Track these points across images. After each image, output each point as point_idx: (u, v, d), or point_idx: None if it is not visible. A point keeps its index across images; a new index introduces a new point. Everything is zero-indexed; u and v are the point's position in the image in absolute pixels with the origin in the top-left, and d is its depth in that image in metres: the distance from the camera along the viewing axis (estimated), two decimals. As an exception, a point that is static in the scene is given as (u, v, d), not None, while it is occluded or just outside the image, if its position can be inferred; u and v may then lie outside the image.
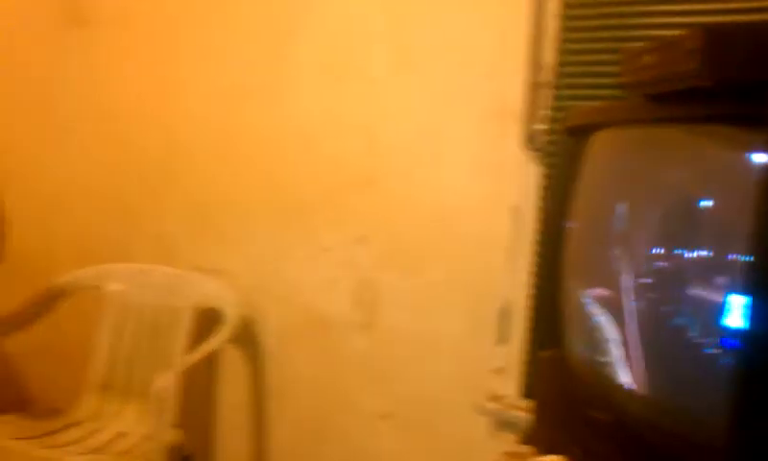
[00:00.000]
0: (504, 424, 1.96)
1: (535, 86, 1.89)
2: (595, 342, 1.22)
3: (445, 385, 2.06)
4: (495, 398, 1.98)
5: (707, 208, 1.07)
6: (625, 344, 1.14)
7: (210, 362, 2.32)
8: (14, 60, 2.53)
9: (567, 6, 1.84)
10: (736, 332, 0.88)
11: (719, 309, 0.93)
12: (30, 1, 2.54)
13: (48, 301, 2.28)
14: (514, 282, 1.93)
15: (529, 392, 1.92)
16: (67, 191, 2.59)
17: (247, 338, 2.30)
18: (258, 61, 2.25)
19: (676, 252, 1.10)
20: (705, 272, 1.02)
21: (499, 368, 1.97)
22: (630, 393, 1.13)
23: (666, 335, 1.08)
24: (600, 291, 1.26)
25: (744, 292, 0.85)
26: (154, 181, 2.46)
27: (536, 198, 1.89)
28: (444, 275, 2.05)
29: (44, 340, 2.33)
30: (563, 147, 1.51)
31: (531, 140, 1.90)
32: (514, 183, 1.92)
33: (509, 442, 1.81)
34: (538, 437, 1.33)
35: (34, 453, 2.01)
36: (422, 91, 2.05)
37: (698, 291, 1.04)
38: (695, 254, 1.06)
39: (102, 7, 2.50)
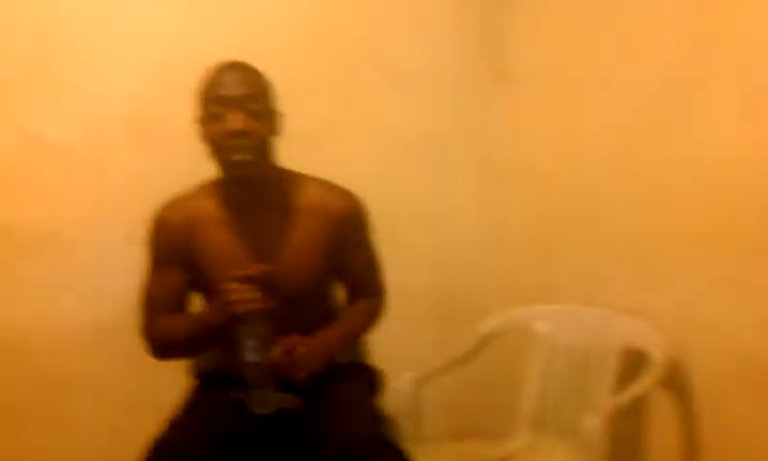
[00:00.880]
0: None
1: None
2: None
3: None
4: None
5: None
6: None
7: (637, 406, 2.25)
8: (448, 113, 2.79)
9: None
10: None
11: None
12: (463, 62, 2.79)
13: (481, 339, 2.43)
14: None
15: None
16: (493, 235, 2.78)
17: (675, 382, 2.18)
18: (675, 91, 2.17)
19: None
20: None
21: None
22: None
23: None
24: None
25: None
26: (578, 222, 2.50)
27: None
28: None
29: (478, 373, 2.48)
30: None
31: None
32: None
33: None
34: None
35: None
36: None
37: None
38: None
39: (521, 66, 2.68)
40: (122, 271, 2.36)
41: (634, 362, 2.18)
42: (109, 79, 2.36)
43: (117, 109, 2.37)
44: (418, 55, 2.72)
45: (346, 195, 2.03)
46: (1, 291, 2.30)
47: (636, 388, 2.11)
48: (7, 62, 2.26)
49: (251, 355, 1.74)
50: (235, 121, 1.82)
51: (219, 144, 1.86)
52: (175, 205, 2.00)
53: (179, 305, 2.00)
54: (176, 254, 1.96)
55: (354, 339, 2.08)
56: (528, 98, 2.71)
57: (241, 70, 1.89)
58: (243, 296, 1.73)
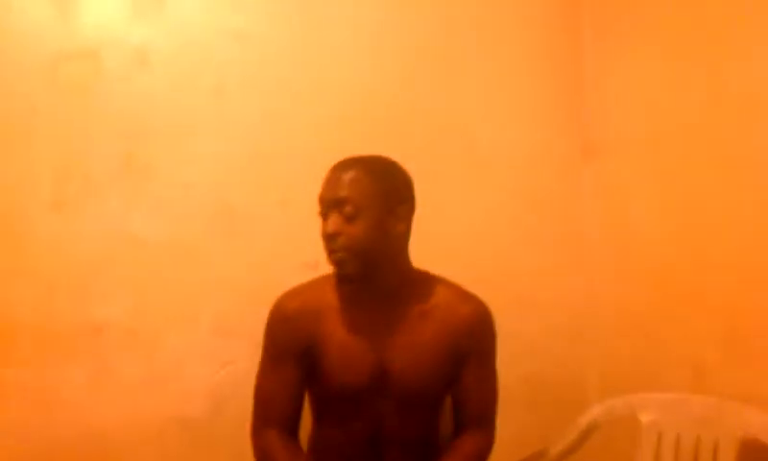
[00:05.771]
0: None
1: None
2: None
3: None
4: None
5: None
6: None
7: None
8: (537, 192, 2.73)
9: None
10: None
11: None
12: (550, 139, 2.74)
13: (583, 431, 2.28)
14: None
15: None
16: (588, 319, 2.66)
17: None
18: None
19: None
20: None
21: None
22: None
23: None
24: None
25: None
26: (682, 302, 2.36)
27: None
28: None
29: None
30: None
31: None
32: None
33: None
34: None
35: None
36: None
37: None
38: None
39: (608, 139, 2.63)
40: (208, 364, 2.33)
41: (751, 456, 2.00)
42: (195, 172, 2.36)
43: (202, 202, 2.37)
44: (504, 133, 2.68)
45: (475, 304, 1.94)
46: (90, 390, 2.27)
47: (756, 484, 1.94)
48: (95, 160, 2.28)
49: None
50: (328, 224, 1.81)
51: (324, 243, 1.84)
52: (295, 295, 1.95)
53: (293, 407, 1.92)
54: (294, 345, 1.89)
55: None
56: (619, 173, 2.63)
57: (347, 170, 1.83)
58: None
